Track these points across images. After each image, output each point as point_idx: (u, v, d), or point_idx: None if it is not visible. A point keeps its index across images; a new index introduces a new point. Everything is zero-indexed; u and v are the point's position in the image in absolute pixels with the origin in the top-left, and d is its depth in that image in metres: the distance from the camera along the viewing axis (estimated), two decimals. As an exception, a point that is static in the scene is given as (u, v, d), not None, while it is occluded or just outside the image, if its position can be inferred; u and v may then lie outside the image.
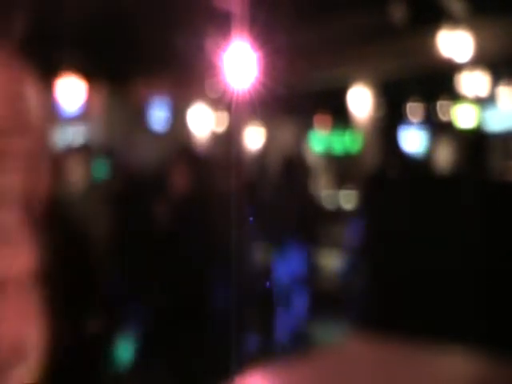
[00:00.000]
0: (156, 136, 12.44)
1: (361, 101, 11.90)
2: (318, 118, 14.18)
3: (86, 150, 5.22)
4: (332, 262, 7.28)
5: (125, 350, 5.13)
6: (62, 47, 9.03)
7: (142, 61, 9.64)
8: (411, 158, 13.38)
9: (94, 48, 8.91)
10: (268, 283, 5.51)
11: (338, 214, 8.86)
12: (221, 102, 10.46)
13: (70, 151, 5.15)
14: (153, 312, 5.22)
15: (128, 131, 11.51)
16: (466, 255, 2.30)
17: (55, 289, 2.07)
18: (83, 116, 11.71)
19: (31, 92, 2.16)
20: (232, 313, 4.60)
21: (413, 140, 13.75)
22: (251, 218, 5.01)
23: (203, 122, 13.03)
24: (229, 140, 11.59)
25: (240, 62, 3.61)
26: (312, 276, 5.90)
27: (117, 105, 12.09)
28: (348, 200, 9.83)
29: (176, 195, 5.01)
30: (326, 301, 6.08)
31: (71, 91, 10.47)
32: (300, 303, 5.81)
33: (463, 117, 11.72)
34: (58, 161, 4.54)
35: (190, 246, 4.71)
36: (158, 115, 12.74)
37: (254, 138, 12.77)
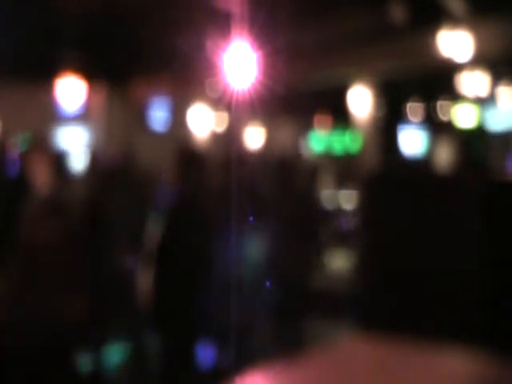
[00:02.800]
0: (156, 136, 12.45)
1: (361, 101, 11.90)
2: (317, 118, 14.18)
3: None
4: (331, 261, 7.28)
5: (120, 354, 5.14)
6: (63, 47, 9.04)
7: (142, 60, 9.65)
8: (411, 157, 13.42)
9: (94, 48, 8.91)
10: (267, 283, 5.50)
11: (338, 214, 8.86)
12: (221, 102, 10.46)
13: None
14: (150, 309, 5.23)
15: (128, 131, 11.52)
16: (467, 255, 2.31)
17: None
18: (83, 116, 11.71)
19: None
20: (231, 312, 4.59)
21: (413, 140, 13.76)
22: (251, 218, 5.01)
23: (203, 122, 13.04)
24: (229, 140, 11.59)
25: (240, 62, 3.61)
26: (311, 275, 5.90)
27: (117, 105, 12.09)
28: (348, 200, 9.83)
29: (174, 194, 5.02)
30: (327, 300, 6.08)
31: (71, 91, 10.47)
32: (300, 302, 5.81)
33: (463, 117, 11.72)
34: None
35: (188, 245, 4.71)
36: (158, 115, 12.75)
37: (254, 138, 12.78)
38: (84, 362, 4.42)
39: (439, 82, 11.31)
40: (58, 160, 5.96)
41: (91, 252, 4.63)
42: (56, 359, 3.33)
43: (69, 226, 3.77)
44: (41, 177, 4.66)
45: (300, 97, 9.90)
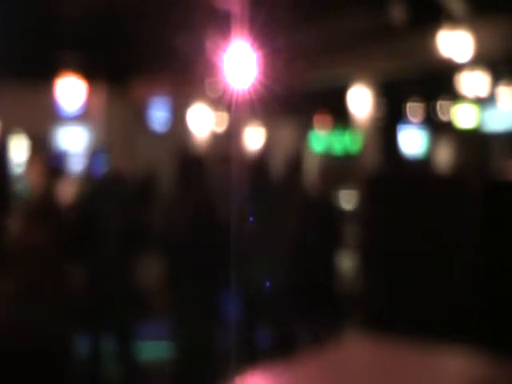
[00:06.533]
0: (156, 136, 12.45)
1: (361, 101, 11.89)
2: (317, 118, 14.17)
3: None
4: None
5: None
6: (62, 47, 9.04)
7: (142, 61, 9.64)
8: (411, 157, 13.42)
9: (94, 48, 8.91)
10: (267, 283, 5.50)
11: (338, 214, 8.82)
12: (221, 101, 10.46)
13: None
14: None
15: (128, 131, 11.52)
16: (467, 255, 2.31)
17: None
18: (83, 116, 11.71)
19: None
20: (232, 312, 4.60)
21: (413, 140, 13.75)
22: (251, 218, 5.01)
23: (203, 122, 13.03)
24: (229, 140, 11.59)
25: (240, 62, 3.61)
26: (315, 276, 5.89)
27: (117, 105, 12.09)
28: (348, 200, 9.82)
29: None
30: (327, 300, 6.07)
31: (71, 91, 10.47)
32: (301, 302, 5.81)
33: (463, 117, 11.72)
34: None
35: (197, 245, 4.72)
36: (158, 115, 12.75)
37: (254, 138, 12.77)
38: (76, 360, 4.42)
39: (439, 81, 11.30)
40: (56, 161, 5.95)
41: (81, 253, 4.63)
42: (44, 360, 3.32)
43: (57, 228, 3.76)
44: (37, 178, 4.65)
45: (300, 97, 9.89)
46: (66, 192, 5.19)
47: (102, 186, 5.32)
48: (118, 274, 4.95)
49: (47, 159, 5.34)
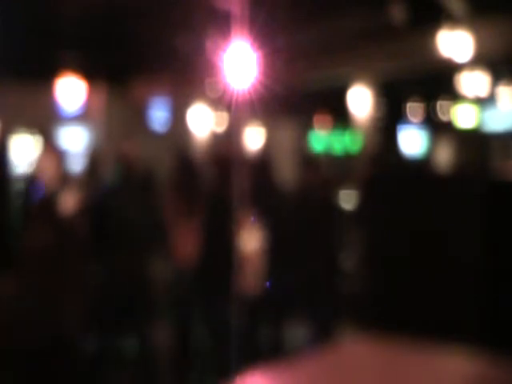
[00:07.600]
0: (156, 136, 12.45)
1: (361, 101, 11.90)
2: (317, 118, 14.17)
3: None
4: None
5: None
6: (62, 47, 9.04)
7: (142, 61, 9.65)
8: (411, 157, 13.42)
9: (94, 48, 8.91)
10: (268, 283, 5.51)
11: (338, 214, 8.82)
12: (221, 101, 10.46)
13: None
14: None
15: (128, 131, 11.52)
16: (467, 255, 2.31)
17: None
18: (83, 116, 11.71)
19: None
20: (232, 313, 4.60)
21: (413, 140, 13.76)
22: (252, 218, 5.02)
23: (203, 122, 13.03)
24: (229, 140, 11.58)
25: (240, 62, 3.61)
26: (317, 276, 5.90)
27: (117, 105, 12.09)
28: (348, 200, 9.82)
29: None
30: (327, 300, 6.07)
31: (71, 91, 10.47)
32: (302, 302, 5.81)
33: (463, 117, 11.72)
34: None
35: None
36: (158, 115, 12.75)
37: (254, 138, 12.77)
38: (89, 360, 4.42)
39: (439, 81, 11.30)
40: (66, 160, 5.97)
41: (91, 252, 4.63)
42: (57, 360, 3.33)
43: (63, 227, 3.76)
44: (49, 177, 4.67)
45: (300, 97, 9.89)
46: (75, 191, 5.21)
47: (110, 186, 5.34)
48: (126, 273, 4.96)
49: (60, 157, 5.36)
